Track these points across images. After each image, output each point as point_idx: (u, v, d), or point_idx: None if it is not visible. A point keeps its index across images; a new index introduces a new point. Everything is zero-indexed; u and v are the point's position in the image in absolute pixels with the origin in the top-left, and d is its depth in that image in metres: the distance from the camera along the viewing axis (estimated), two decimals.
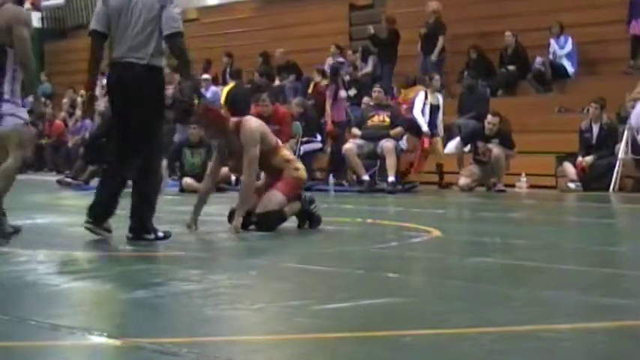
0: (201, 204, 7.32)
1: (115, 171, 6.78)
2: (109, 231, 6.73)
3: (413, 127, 13.94)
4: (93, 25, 6.71)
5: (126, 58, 6.49)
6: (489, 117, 12.93)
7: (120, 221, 6.65)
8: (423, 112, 13.80)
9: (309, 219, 7.47)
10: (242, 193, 7.25)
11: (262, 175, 7.61)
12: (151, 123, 6.56)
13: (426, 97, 13.87)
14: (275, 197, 7.21)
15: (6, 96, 6.67)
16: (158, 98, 6.63)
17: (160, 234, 6.56)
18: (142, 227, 6.50)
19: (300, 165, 7.55)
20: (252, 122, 7.32)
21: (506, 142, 12.88)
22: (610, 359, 3.32)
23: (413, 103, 14.09)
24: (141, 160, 6.56)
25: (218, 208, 8.02)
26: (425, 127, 13.70)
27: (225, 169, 11.01)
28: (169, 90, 18.64)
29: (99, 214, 6.66)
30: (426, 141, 13.74)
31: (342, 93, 14.84)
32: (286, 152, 7.58)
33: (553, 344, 3.43)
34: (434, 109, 13.85)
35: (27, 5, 7.27)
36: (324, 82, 16.10)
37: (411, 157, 14.02)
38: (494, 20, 16.96)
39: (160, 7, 6.45)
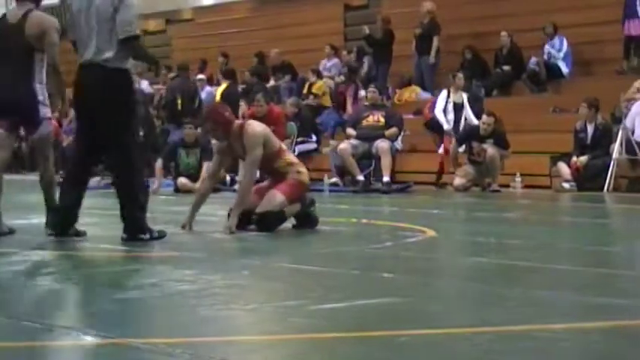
0: (198, 205, 7.31)
1: (74, 175, 6.72)
2: (81, 234, 6.71)
3: (435, 127, 13.86)
4: (68, 34, 6.84)
5: (90, 60, 6.49)
6: (484, 117, 12.93)
7: (120, 222, 6.63)
8: (445, 110, 13.70)
9: (307, 220, 7.45)
10: (240, 194, 7.24)
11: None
12: (117, 125, 6.48)
13: (448, 96, 13.78)
14: (275, 198, 7.19)
15: (40, 97, 6.86)
16: (124, 100, 6.53)
17: (155, 234, 6.55)
18: (135, 228, 6.49)
19: (303, 169, 7.50)
20: (256, 126, 7.32)
21: (501, 142, 12.88)
22: (605, 359, 3.32)
23: (435, 102, 14.01)
24: (121, 161, 6.53)
25: (212, 208, 8.01)
26: (447, 126, 13.69)
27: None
28: (162, 90, 18.70)
29: (59, 223, 6.62)
30: (447, 140, 13.62)
31: (362, 93, 14.63)
32: (290, 156, 7.58)
33: (548, 344, 3.43)
34: (458, 108, 13.73)
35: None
36: (326, 83, 16.00)
37: (440, 157, 13.84)
38: (489, 20, 16.98)
39: (113, 10, 6.41)
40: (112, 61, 6.43)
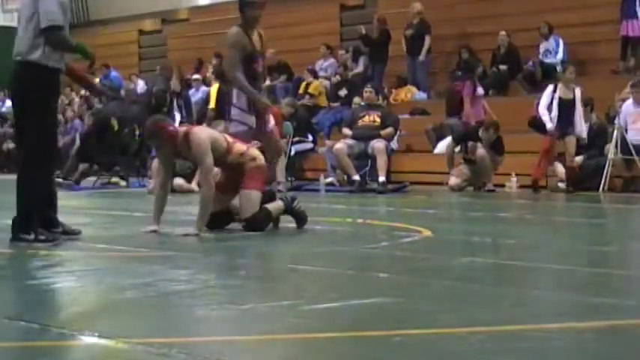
0: (159, 215, 7.23)
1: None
2: (75, 232, 6.72)
3: (539, 125, 12.63)
4: None
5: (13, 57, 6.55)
6: (491, 131, 12.89)
7: (116, 222, 6.63)
8: (549, 107, 12.48)
9: (293, 217, 7.46)
10: (202, 204, 7.00)
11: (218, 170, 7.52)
12: (25, 120, 6.43)
13: (554, 91, 12.52)
14: (251, 197, 7.14)
15: (234, 101, 7.92)
16: (31, 95, 6.40)
17: (43, 236, 6.39)
18: (19, 227, 6.38)
19: (255, 153, 7.36)
20: (200, 132, 7.19)
21: (496, 146, 12.90)
22: (599, 359, 3.33)
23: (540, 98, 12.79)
24: (23, 159, 6.46)
25: None
26: (549, 125, 12.37)
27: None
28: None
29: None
30: (547, 141, 12.48)
31: (480, 90, 13.84)
32: (238, 146, 7.33)
33: (542, 344, 3.44)
34: (566, 105, 12.40)
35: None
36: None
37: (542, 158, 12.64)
38: (482, 21, 17.00)
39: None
40: (23, 54, 6.40)
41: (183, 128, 7.31)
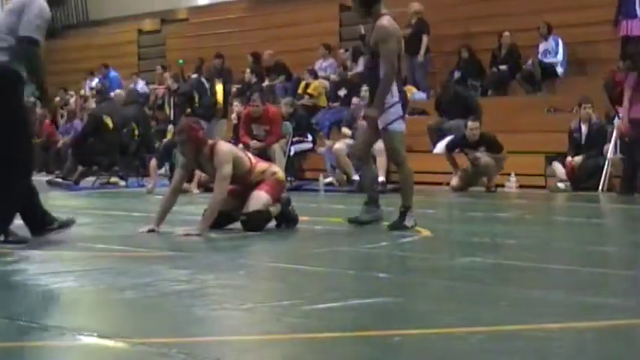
0: (162, 217, 7.23)
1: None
2: (70, 221, 6.71)
3: None
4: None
5: None
6: (469, 123, 12.79)
7: (115, 222, 6.63)
8: None
9: (286, 219, 7.49)
10: (211, 207, 7.10)
11: None
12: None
13: None
14: (261, 197, 7.23)
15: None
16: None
17: (12, 238, 6.34)
18: None
19: (276, 168, 7.65)
20: (225, 146, 7.41)
21: (493, 147, 12.80)
22: (599, 359, 3.33)
23: None
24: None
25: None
26: None
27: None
28: (160, 90, 18.71)
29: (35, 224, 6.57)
30: None
31: None
32: (261, 164, 7.54)
33: (542, 344, 3.44)
34: None
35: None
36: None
37: None
38: (482, 20, 16.99)
39: (22, 5, 6.27)
40: None
41: (212, 140, 7.43)
